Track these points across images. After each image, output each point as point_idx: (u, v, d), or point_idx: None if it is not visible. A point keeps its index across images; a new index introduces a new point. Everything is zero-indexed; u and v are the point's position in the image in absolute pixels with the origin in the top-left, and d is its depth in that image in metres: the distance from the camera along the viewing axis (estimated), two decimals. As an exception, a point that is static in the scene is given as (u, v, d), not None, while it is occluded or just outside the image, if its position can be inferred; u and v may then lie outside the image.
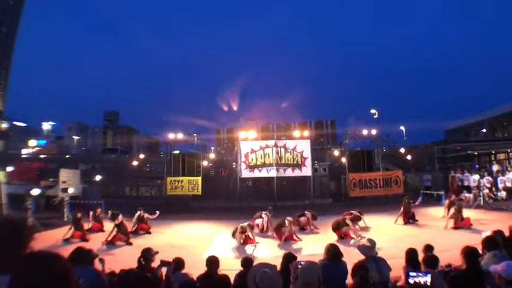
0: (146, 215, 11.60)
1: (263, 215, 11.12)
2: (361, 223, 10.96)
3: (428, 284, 2.96)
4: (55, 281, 1.18)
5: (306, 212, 11.53)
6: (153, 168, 26.75)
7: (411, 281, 3.01)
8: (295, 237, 9.96)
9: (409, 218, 11.75)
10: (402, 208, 11.89)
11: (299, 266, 2.95)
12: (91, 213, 12.03)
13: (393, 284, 4.06)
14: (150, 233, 11.33)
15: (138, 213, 11.50)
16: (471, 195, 15.05)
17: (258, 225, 10.87)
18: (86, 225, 11.15)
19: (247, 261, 4.88)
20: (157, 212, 12.01)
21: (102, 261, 4.54)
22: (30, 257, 1.27)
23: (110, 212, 11.16)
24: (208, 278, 4.36)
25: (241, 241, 9.48)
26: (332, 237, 9.55)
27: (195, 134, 20.30)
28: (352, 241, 9.23)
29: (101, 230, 11.57)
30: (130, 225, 10.92)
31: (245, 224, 9.77)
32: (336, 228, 9.89)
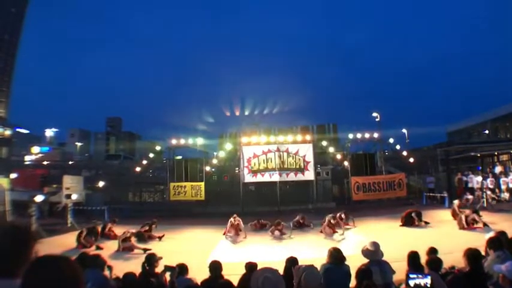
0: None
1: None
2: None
3: (429, 285, 2.98)
4: (65, 284, 1.22)
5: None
6: (156, 174, 26.78)
7: (411, 283, 3.03)
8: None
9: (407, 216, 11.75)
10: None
11: (302, 271, 2.98)
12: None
13: (397, 287, 4.08)
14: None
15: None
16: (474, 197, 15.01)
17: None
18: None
19: (251, 266, 4.94)
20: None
21: (110, 268, 4.60)
22: (41, 260, 1.30)
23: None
24: (211, 283, 4.40)
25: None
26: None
27: (197, 139, 20.22)
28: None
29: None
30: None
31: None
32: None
